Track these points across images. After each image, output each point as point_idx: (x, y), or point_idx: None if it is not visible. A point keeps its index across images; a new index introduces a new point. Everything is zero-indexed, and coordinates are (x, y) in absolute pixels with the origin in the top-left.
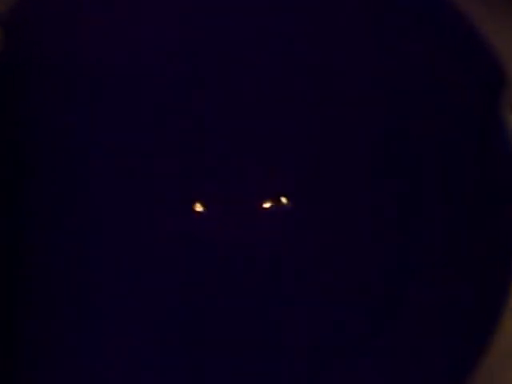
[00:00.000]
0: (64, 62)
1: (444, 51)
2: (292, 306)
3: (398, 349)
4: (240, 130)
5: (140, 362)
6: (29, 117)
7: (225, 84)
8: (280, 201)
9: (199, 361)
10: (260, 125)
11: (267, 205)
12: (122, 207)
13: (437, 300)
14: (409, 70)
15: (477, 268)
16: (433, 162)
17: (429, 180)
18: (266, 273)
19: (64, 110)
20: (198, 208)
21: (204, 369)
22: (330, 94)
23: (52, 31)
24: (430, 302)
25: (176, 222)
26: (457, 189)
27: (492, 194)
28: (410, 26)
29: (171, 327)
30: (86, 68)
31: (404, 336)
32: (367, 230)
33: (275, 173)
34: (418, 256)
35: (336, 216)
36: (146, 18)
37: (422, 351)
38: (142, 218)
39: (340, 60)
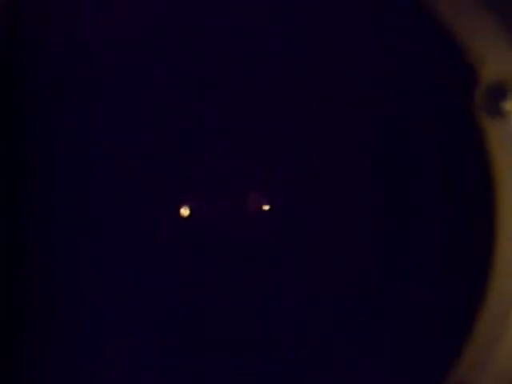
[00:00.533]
0: (64, 62)
1: (443, 51)
2: (291, 305)
3: (398, 348)
4: (240, 130)
5: (140, 361)
6: (29, 117)
7: (225, 84)
8: (280, 200)
9: (199, 361)
10: (260, 125)
11: (267, 204)
12: (122, 207)
13: (436, 299)
14: (409, 70)
15: (476, 267)
16: (433, 162)
17: (429, 180)
18: (265, 273)
19: (64, 109)
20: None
21: (204, 369)
22: (330, 93)
23: (52, 31)
24: (429, 301)
25: (176, 221)
26: (457, 188)
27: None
28: (409, 26)
29: (171, 327)
30: (86, 68)
31: (403, 335)
32: (367, 229)
33: (275, 173)
34: (417, 256)
35: (335, 216)
36: (146, 17)
37: (422, 350)
38: (142, 218)
39: (340, 60)
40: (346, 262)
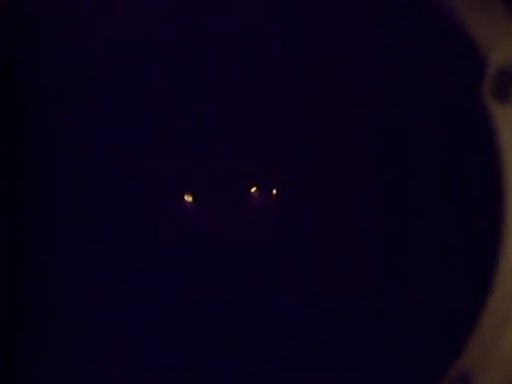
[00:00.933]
0: (64, 62)
1: (443, 51)
2: (291, 305)
3: (398, 347)
4: (240, 130)
5: (140, 361)
6: (29, 117)
7: (225, 84)
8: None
9: (199, 361)
10: (260, 125)
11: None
12: (122, 207)
13: (436, 297)
14: (409, 70)
15: (481, 263)
16: (433, 162)
17: (429, 180)
18: (265, 272)
19: (64, 110)
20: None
21: (204, 369)
22: (330, 93)
23: (52, 31)
24: (429, 300)
25: (176, 221)
26: (457, 188)
27: (488, 192)
28: (409, 26)
29: (171, 327)
30: (86, 68)
31: (403, 335)
32: (367, 229)
33: (275, 173)
34: (417, 255)
35: (336, 216)
36: (146, 17)
37: (421, 349)
38: (142, 218)
39: (340, 60)
40: (346, 261)
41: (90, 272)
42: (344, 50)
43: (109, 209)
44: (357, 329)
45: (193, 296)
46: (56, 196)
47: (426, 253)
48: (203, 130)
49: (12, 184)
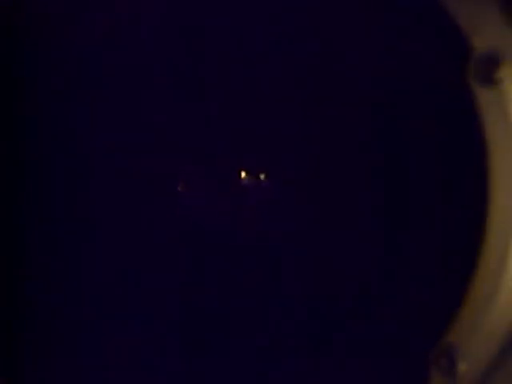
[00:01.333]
0: (64, 62)
1: (443, 51)
2: (291, 305)
3: (395, 344)
4: (240, 130)
5: (140, 361)
6: (29, 117)
7: (225, 84)
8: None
9: (199, 361)
10: (260, 124)
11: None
12: (122, 207)
13: (429, 292)
14: (409, 70)
15: (460, 253)
16: (432, 161)
17: (428, 179)
18: (265, 272)
19: (64, 110)
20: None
21: (204, 369)
22: (330, 93)
23: (52, 31)
24: (425, 300)
25: (176, 221)
26: (456, 187)
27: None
28: (409, 26)
29: (171, 327)
30: (85, 68)
31: (400, 333)
32: (367, 229)
33: (276, 173)
34: (416, 255)
35: (336, 215)
36: (146, 18)
37: (417, 347)
38: (142, 218)
39: (340, 60)
40: (345, 261)
41: (89, 272)
42: (344, 50)
43: (108, 209)
44: (356, 327)
45: (193, 296)
46: (56, 196)
47: (425, 254)
48: (203, 130)
49: (12, 184)
